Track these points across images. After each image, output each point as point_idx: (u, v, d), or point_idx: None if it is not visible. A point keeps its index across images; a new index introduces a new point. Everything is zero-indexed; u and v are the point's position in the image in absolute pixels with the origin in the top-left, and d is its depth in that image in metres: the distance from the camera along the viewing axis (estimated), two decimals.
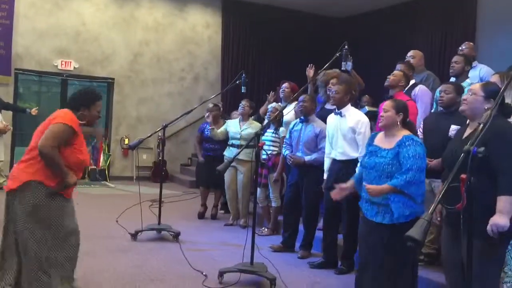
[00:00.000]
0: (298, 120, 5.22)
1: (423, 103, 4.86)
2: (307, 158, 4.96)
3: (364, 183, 3.53)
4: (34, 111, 8.07)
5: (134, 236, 5.35)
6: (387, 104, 3.68)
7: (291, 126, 5.28)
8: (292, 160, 5.05)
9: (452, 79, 4.88)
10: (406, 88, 4.91)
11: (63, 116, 3.24)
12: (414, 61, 5.43)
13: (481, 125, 2.16)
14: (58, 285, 3.18)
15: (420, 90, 4.92)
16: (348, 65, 4.37)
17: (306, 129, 5.06)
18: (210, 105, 6.80)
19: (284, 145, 5.36)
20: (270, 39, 11.18)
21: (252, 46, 11.27)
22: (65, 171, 3.13)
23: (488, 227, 2.55)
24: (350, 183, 3.78)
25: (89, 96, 3.39)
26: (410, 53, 5.57)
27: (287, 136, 5.34)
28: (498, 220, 2.55)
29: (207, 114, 6.67)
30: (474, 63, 5.43)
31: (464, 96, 3.04)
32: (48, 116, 3.36)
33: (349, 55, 4.34)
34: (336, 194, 3.77)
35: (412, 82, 5.05)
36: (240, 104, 6.41)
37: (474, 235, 2.13)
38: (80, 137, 3.29)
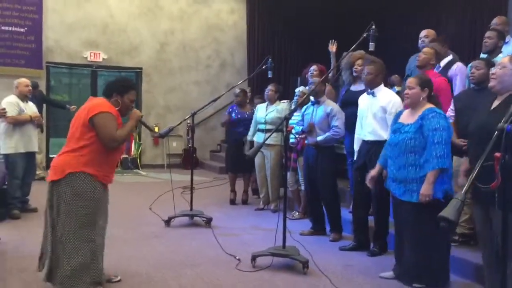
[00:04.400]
0: (309, 103, 5.20)
1: (462, 80, 4.72)
2: (319, 138, 4.96)
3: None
4: (73, 108, 8.22)
5: (167, 222, 5.45)
6: (410, 81, 3.67)
7: (303, 110, 5.31)
8: (306, 139, 5.08)
9: (484, 55, 4.74)
10: (443, 65, 4.78)
11: (99, 105, 3.36)
12: (428, 40, 5.24)
13: None
14: (83, 277, 3.27)
15: (459, 67, 4.77)
16: (370, 45, 4.28)
17: (317, 110, 5.07)
18: (237, 90, 6.89)
19: (296, 126, 5.38)
20: (296, 22, 11.07)
21: (278, 30, 11.20)
22: (131, 129, 3.47)
23: None
24: (377, 168, 3.96)
25: (123, 84, 3.50)
26: (423, 33, 5.36)
27: (299, 119, 5.35)
28: None
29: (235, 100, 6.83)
30: (508, 38, 5.21)
31: (492, 70, 2.96)
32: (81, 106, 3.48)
33: (376, 35, 4.25)
34: (369, 183, 4.02)
35: (449, 58, 4.86)
36: (266, 89, 6.46)
37: (509, 208, 2.10)
38: (119, 121, 3.40)
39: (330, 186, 5.01)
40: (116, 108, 3.40)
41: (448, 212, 1.91)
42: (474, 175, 2.02)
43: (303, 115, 5.28)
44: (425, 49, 4.64)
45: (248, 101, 7.35)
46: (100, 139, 3.29)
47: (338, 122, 4.94)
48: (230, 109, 7.11)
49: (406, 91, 3.64)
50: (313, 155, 5.05)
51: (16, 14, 9.41)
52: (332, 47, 6.41)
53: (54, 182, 3.29)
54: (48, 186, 3.34)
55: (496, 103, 2.91)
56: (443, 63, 4.84)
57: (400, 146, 3.55)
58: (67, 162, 3.29)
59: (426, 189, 3.40)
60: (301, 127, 5.25)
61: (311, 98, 5.14)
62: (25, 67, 9.38)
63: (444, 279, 3.61)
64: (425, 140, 3.45)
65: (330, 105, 5.02)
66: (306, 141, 5.16)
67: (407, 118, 3.65)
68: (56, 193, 3.28)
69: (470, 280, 3.78)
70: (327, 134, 4.94)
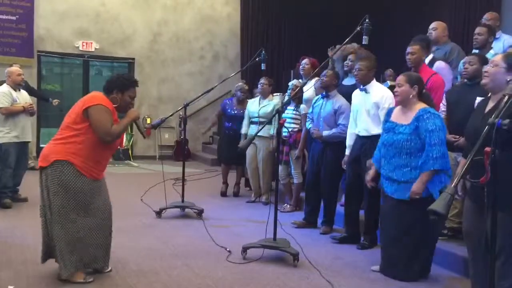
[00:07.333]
0: (320, 95, 5.20)
1: (447, 78, 4.70)
2: (325, 133, 4.96)
3: (383, 185, 3.54)
4: (55, 102, 8.10)
5: (158, 213, 5.45)
6: (400, 78, 3.67)
7: (313, 101, 5.28)
8: (313, 133, 5.06)
9: (475, 51, 4.74)
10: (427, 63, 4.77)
11: (96, 98, 3.38)
12: (436, 33, 5.20)
13: (506, 97, 2.12)
14: (77, 263, 3.33)
15: (438, 67, 4.73)
16: (364, 38, 4.25)
17: (326, 105, 5.04)
18: (245, 87, 6.82)
19: (307, 120, 5.38)
20: (290, 15, 11.03)
21: (272, 22, 11.15)
22: (126, 126, 3.53)
23: None
24: (373, 171, 3.90)
25: (124, 80, 3.51)
26: (432, 25, 5.34)
27: (309, 111, 5.34)
28: None
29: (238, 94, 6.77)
30: (498, 34, 5.19)
31: (485, 68, 2.95)
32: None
33: (370, 29, 4.22)
34: (370, 183, 3.97)
35: (430, 57, 4.84)
36: (259, 83, 6.42)
37: (499, 207, 2.11)
38: (114, 118, 3.41)
39: (332, 180, 4.99)
40: (114, 105, 3.41)
41: (438, 205, 1.92)
42: (463, 170, 2.03)
43: (312, 107, 5.25)
44: (412, 50, 4.45)
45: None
46: (94, 131, 3.30)
47: (345, 120, 4.83)
48: (227, 102, 7.07)
49: (396, 88, 3.65)
50: (319, 149, 5.05)
51: (7, 2, 9.30)
52: (331, 53, 5.93)
53: (42, 168, 3.34)
54: (39, 173, 3.39)
55: (491, 105, 2.90)
56: (427, 61, 4.81)
57: (395, 147, 3.56)
58: (54, 149, 3.34)
59: (417, 187, 3.43)
60: (311, 124, 5.22)
61: (321, 91, 5.08)
62: (16, 55, 9.27)
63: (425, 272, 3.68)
64: (421, 142, 3.46)
65: (339, 102, 4.96)
66: (310, 130, 5.13)
67: (400, 117, 3.63)
68: (43, 179, 3.33)
69: (458, 274, 3.81)
70: (333, 130, 4.91)
